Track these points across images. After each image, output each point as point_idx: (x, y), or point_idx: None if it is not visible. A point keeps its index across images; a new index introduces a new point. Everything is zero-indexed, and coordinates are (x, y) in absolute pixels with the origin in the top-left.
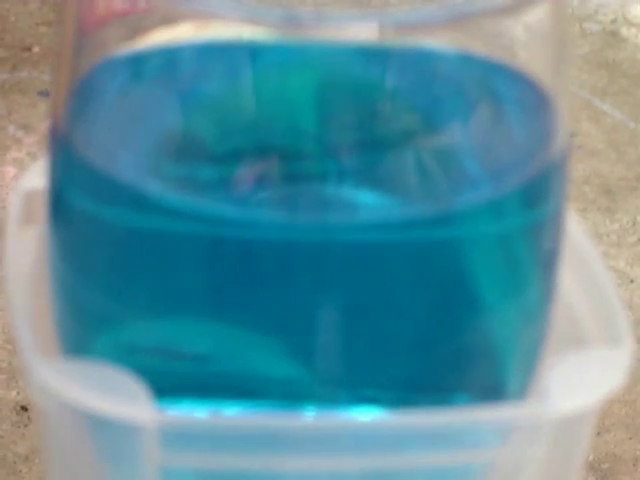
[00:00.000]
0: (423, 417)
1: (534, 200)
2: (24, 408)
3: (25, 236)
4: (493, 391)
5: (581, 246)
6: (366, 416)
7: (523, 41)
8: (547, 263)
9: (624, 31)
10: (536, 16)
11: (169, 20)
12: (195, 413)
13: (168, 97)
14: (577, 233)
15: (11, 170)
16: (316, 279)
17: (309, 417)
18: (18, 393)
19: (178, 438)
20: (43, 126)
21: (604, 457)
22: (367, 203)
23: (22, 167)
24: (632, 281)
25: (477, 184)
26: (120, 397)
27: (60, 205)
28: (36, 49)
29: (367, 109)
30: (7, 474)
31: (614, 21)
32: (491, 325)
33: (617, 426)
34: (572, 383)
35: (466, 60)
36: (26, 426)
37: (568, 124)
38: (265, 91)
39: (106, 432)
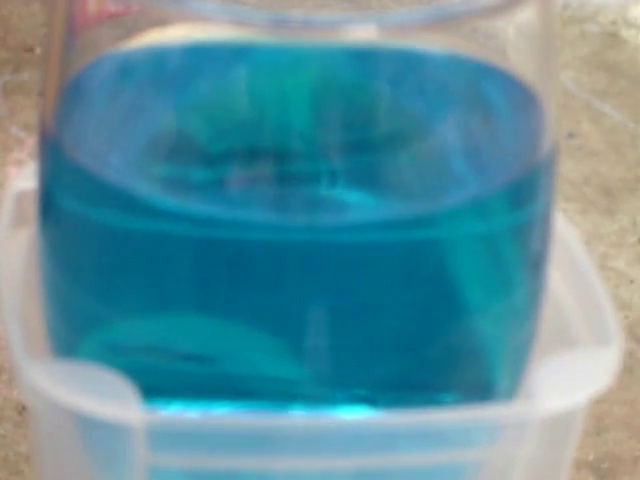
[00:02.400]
0: (413, 416)
1: (522, 200)
2: (26, 408)
3: (16, 237)
4: (482, 390)
5: (570, 246)
6: (356, 416)
7: (512, 41)
8: (535, 263)
9: (624, 32)
10: (525, 16)
11: (160, 22)
12: (184, 413)
13: (158, 98)
14: (566, 233)
15: (13, 171)
16: (306, 279)
17: (299, 417)
18: (20, 393)
19: (166, 438)
20: None
21: (604, 456)
22: (358, 203)
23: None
24: (632, 282)
25: (466, 184)
26: (108, 398)
27: (50, 206)
28: (38, 50)
29: (358, 110)
30: (9, 473)
31: (614, 22)
32: (480, 325)
33: (617, 426)
34: (560, 382)
35: (455, 61)
36: (28, 426)
37: (557, 124)
38: (255, 92)
39: (95, 432)
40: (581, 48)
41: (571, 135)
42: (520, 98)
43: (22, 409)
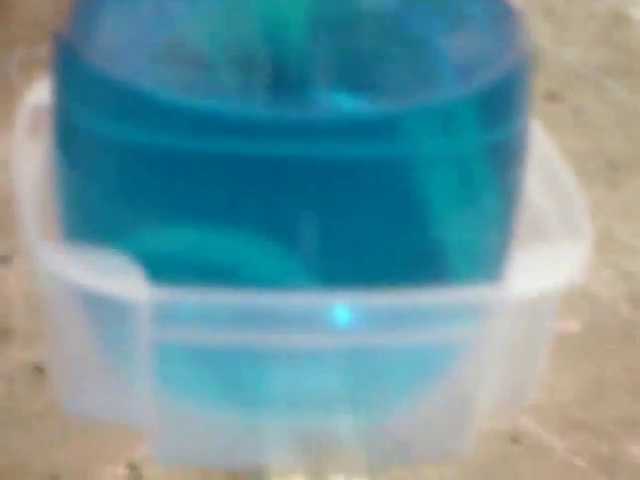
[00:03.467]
0: (398, 296)
1: (498, 109)
2: (39, 369)
3: (31, 146)
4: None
5: (544, 151)
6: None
7: None
8: (511, 172)
9: (631, 11)
10: None
11: None
12: (187, 290)
13: (170, 4)
14: (542, 141)
15: None
16: (298, 177)
17: (293, 295)
18: (34, 354)
19: (170, 315)
20: None
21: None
22: (345, 103)
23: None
24: (636, 253)
25: (442, 85)
26: (116, 276)
27: (63, 117)
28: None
29: (347, 18)
30: (23, 432)
31: (622, 1)
32: (457, 228)
33: (619, 391)
34: (534, 268)
35: None
36: (41, 386)
37: (529, 37)
38: (257, 4)
39: (102, 310)
40: (589, 26)
41: (577, 111)
42: (497, 7)
43: (35, 370)
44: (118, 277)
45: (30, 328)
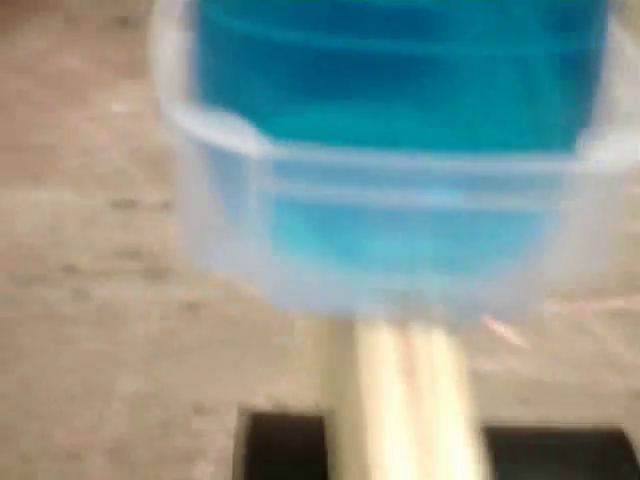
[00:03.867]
0: (487, 164)
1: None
2: (192, 306)
3: (169, 31)
4: None
5: (626, 49)
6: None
7: None
8: (591, 68)
9: None
10: None
11: None
12: (300, 148)
13: None
14: (626, 41)
15: None
16: (397, 64)
17: (395, 158)
18: (188, 293)
19: (283, 169)
20: None
21: None
22: None
23: None
24: None
25: None
26: (236, 132)
27: (202, 4)
28: None
29: None
30: (173, 364)
31: None
32: (537, 112)
33: None
34: (611, 147)
35: None
36: (193, 323)
37: None
38: None
39: (223, 164)
40: None
41: None
42: None
43: (189, 307)
44: (238, 133)
45: (186, 268)
